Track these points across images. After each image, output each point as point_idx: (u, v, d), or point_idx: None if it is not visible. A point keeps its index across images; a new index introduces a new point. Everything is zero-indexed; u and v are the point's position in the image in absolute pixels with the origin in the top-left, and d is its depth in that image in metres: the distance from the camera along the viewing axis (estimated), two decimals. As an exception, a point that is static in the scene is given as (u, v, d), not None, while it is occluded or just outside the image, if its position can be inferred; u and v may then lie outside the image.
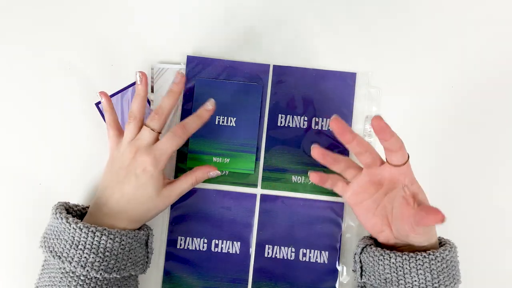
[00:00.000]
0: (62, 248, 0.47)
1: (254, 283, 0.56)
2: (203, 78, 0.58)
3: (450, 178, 0.58)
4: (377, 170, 0.50)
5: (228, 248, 0.57)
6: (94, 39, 0.59)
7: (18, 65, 0.59)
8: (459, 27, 0.59)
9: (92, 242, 0.47)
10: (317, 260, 0.57)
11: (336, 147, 0.57)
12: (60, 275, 0.47)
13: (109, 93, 0.58)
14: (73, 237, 0.47)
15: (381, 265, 0.48)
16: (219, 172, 0.55)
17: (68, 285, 0.47)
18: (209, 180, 0.57)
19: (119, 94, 0.58)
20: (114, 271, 0.48)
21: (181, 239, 0.57)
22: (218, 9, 0.59)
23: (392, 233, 0.50)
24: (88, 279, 0.47)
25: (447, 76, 0.59)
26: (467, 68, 0.59)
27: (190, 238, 0.57)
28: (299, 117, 0.58)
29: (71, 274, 0.47)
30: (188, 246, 0.57)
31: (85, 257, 0.46)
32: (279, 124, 0.58)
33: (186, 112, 0.58)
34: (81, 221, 0.48)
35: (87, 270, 0.46)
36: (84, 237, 0.47)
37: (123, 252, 0.48)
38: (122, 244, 0.48)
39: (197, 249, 0.57)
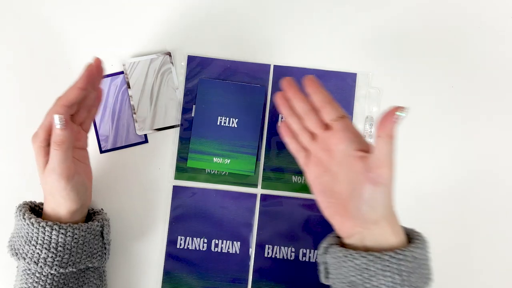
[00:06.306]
0: (20, 246, 0.46)
1: (254, 283, 0.56)
2: (207, 78, 0.58)
3: (450, 177, 0.58)
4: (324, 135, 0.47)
5: (228, 248, 0.57)
6: (95, 39, 0.59)
7: (18, 66, 0.58)
8: (459, 27, 0.59)
9: (44, 237, 0.46)
10: (317, 260, 0.57)
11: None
12: (21, 273, 0.47)
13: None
14: (27, 233, 0.46)
15: (345, 266, 0.43)
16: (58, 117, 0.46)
17: (25, 283, 0.46)
18: (209, 180, 0.57)
19: (109, 78, 0.58)
20: (69, 265, 0.47)
21: (181, 238, 0.57)
22: (219, 9, 0.59)
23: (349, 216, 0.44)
24: (44, 275, 0.46)
25: (447, 76, 0.59)
26: (467, 68, 0.59)
27: (190, 238, 0.57)
28: (299, 117, 0.58)
29: (28, 272, 0.46)
30: (188, 246, 0.57)
31: (38, 253, 0.46)
32: (279, 123, 0.58)
33: (186, 111, 0.58)
34: (36, 216, 0.47)
35: (40, 266, 0.46)
36: (36, 232, 0.46)
37: (76, 246, 0.47)
38: (75, 238, 0.47)
39: (197, 249, 0.57)
